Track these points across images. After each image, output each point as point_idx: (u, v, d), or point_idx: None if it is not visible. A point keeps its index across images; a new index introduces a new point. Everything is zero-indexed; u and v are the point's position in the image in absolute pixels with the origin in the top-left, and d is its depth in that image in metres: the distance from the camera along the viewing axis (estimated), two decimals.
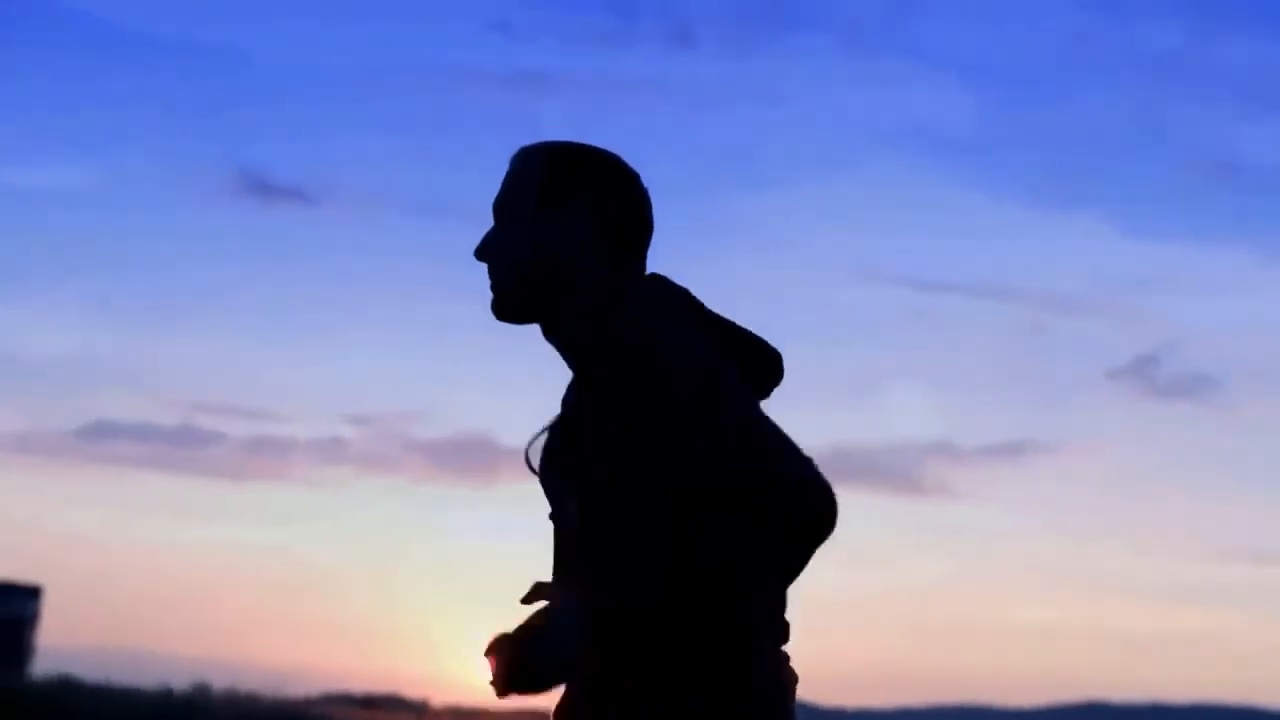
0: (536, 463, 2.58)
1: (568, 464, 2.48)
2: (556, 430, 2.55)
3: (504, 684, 2.38)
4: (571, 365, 2.55)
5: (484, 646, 2.41)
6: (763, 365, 2.52)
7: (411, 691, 30.51)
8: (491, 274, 2.58)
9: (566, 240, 2.52)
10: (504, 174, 2.61)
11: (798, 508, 2.31)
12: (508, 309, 2.57)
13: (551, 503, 2.55)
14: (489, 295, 2.59)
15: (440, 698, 28.50)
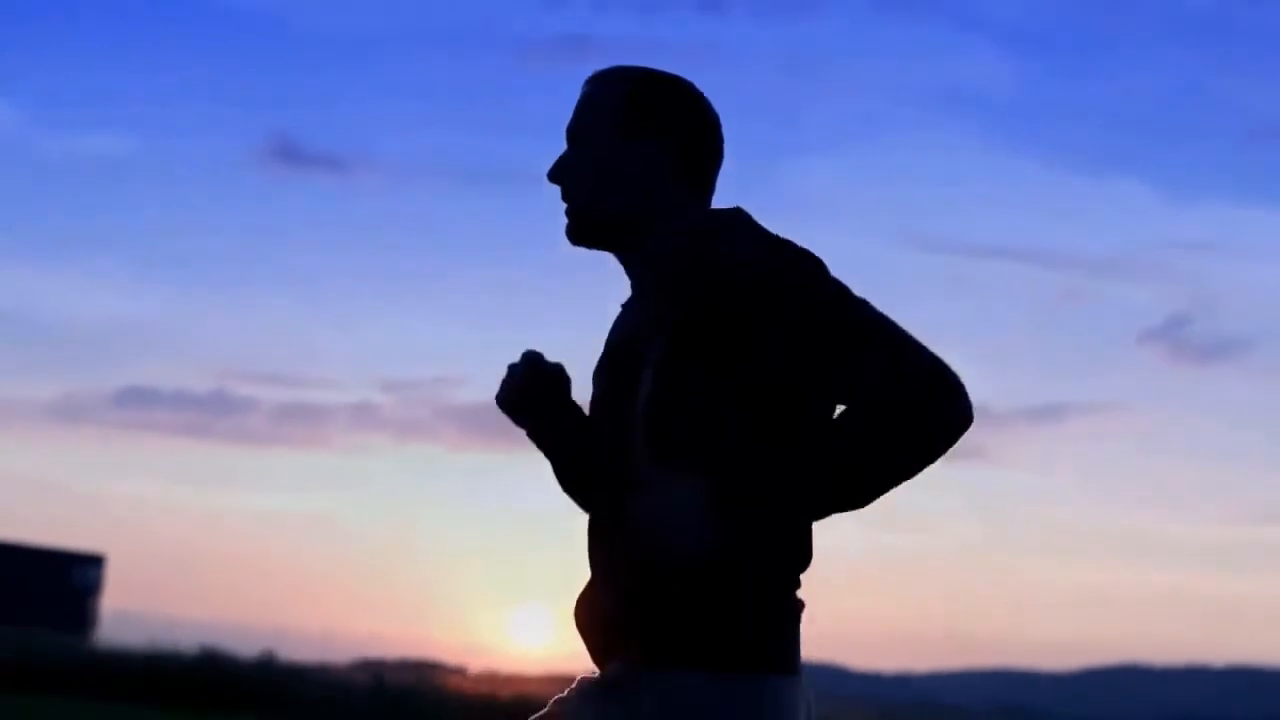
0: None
1: (661, 369, 2.46)
2: (618, 358, 2.56)
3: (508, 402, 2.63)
4: (654, 284, 2.54)
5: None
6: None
7: (447, 658, 30.67)
8: (568, 197, 2.57)
9: (649, 167, 2.52)
10: (578, 98, 2.61)
11: (949, 400, 2.37)
12: (586, 233, 2.57)
13: (608, 427, 2.55)
14: (562, 220, 2.59)
15: (477, 664, 28.54)
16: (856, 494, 2.37)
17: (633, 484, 2.43)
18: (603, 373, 2.60)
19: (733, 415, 2.39)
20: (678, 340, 2.43)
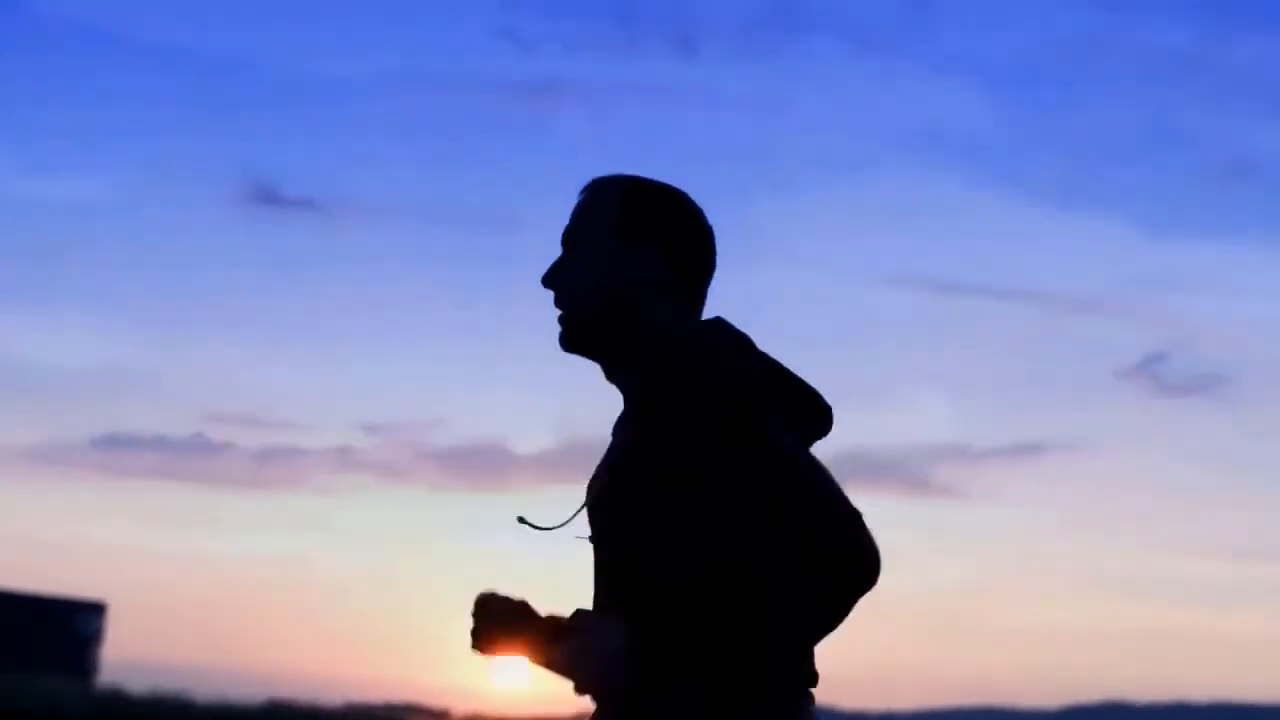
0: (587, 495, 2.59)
1: (623, 499, 2.47)
2: (613, 464, 2.54)
3: (482, 643, 2.50)
4: (635, 402, 2.54)
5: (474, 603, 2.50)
6: (813, 414, 2.52)
7: (430, 700, 30.84)
8: (562, 304, 2.58)
9: (643, 278, 2.53)
10: (575, 204, 2.62)
11: (856, 562, 2.36)
12: (579, 341, 2.57)
13: (596, 533, 2.55)
14: (555, 325, 2.60)
15: (461, 707, 28.66)
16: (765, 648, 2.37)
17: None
18: (593, 489, 2.58)
19: (684, 538, 2.38)
20: (649, 458, 2.43)
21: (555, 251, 2.62)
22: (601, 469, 2.58)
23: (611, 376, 2.59)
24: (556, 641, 2.43)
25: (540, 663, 2.46)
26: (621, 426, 2.58)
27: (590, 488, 2.58)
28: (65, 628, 34.53)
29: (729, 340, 2.49)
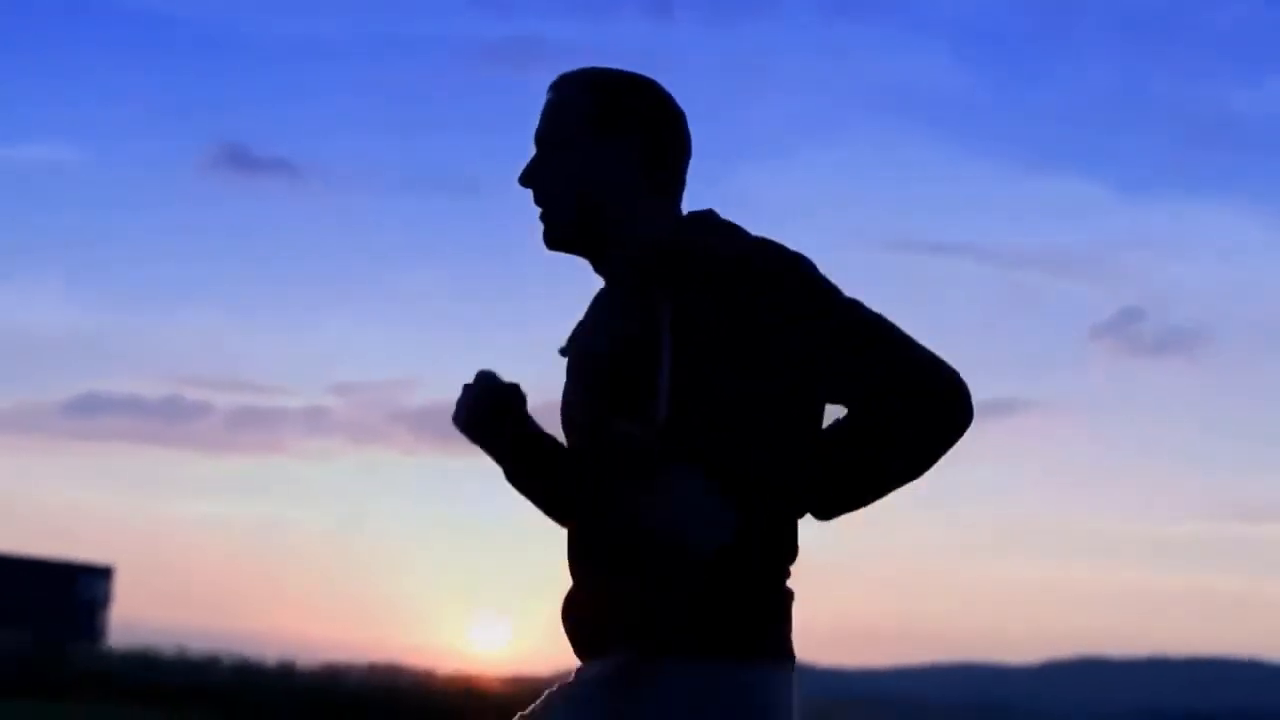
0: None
1: (637, 384, 2.44)
2: (599, 357, 2.52)
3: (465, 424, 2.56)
4: (632, 291, 2.51)
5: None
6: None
7: (409, 660, 29.75)
8: (541, 202, 2.55)
9: (619, 170, 2.51)
10: (544, 103, 2.59)
11: (951, 401, 2.40)
12: (561, 238, 2.55)
13: (584, 427, 2.53)
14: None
15: (442, 667, 27.74)
16: (863, 493, 2.42)
17: (626, 483, 2.41)
18: (575, 373, 2.58)
19: (737, 407, 2.37)
20: (677, 332, 2.41)
21: (532, 216, 2.59)
22: (585, 339, 2.59)
23: (599, 269, 2.59)
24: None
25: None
26: (607, 310, 2.57)
27: (571, 375, 2.59)
28: (69, 592, 34.60)
29: (727, 224, 2.51)
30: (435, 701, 22.47)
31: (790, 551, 2.46)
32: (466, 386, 2.60)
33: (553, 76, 2.61)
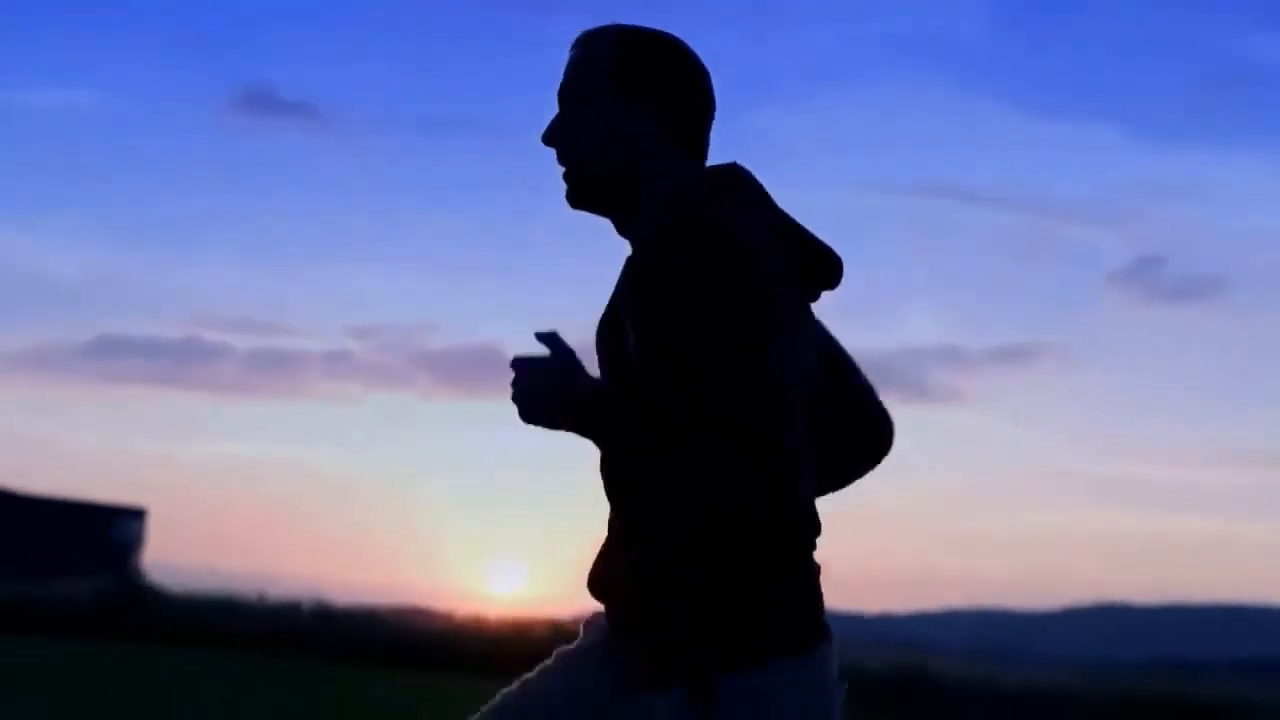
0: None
1: (615, 346, 2.44)
2: (606, 317, 2.51)
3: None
4: (632, 257, 2.50)
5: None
6: (820, 268, 2.49)
7: (431, 603, 29.78)
8: (565, 161, 2.53)
9: (643, 128, 2.50)
10: (567, 60, 2.57)
11: (874, 426, 2.46)
12: (584, 195, 2.53)
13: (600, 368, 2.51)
14: (560, 183, 2.55)
15: (462, 609, 27.67)
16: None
17: (651, 445, 2.32)
18: (600, 336, 2.53)
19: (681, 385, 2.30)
20: (644, 304, 2.37)
21: (552, 161, 2.56)
22: (606, 314, 2.54)
23: (622, 230, 2.55)
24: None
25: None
26: (624, 273, 2.51)
27: (598, 338, 2.54)
28: (103, 533, 34.72)
29: (734, 194, 2.46)
30: (476, 645, 22.55)
31: (812, 528, 2.44)
32: (516, 363, 2.42)
33: (577, 21, 2.59)
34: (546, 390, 2.38)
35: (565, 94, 2.57)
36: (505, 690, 2.58)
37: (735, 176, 2.52)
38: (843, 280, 2.54)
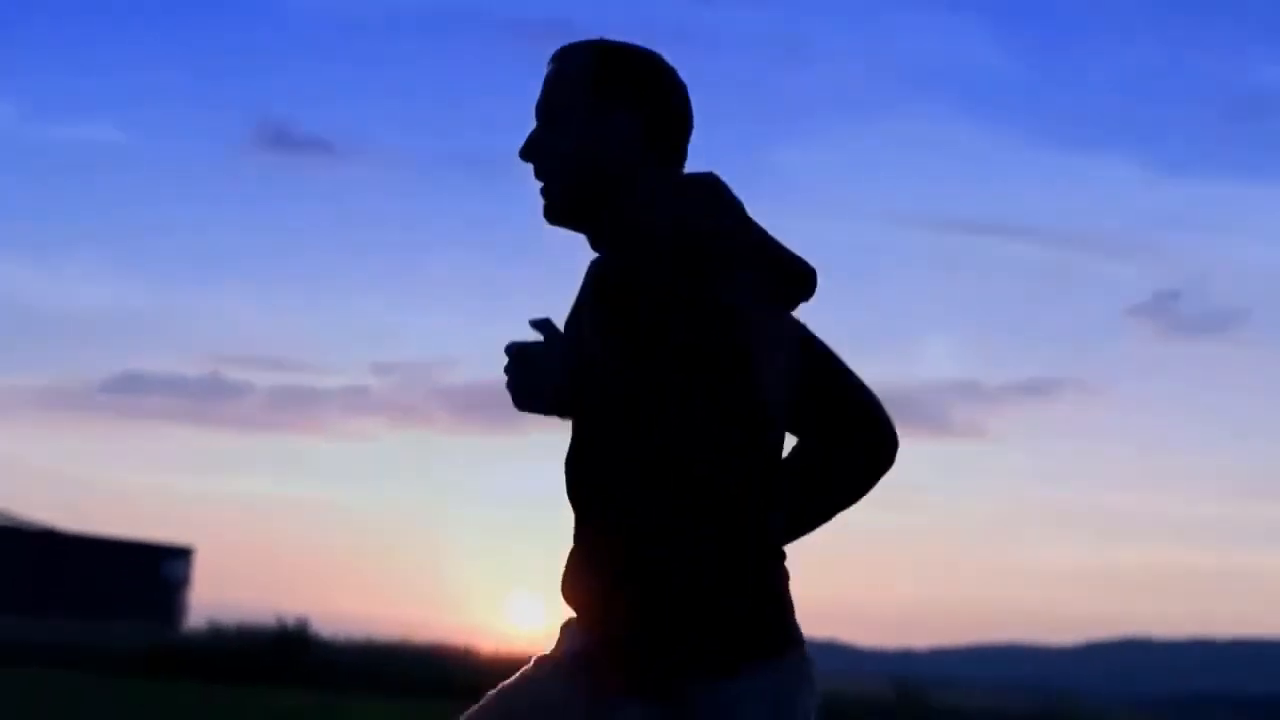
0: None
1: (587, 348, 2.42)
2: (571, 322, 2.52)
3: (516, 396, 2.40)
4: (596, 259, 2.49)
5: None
6: (794, 277, 2.47)
7: (453, 639, 28.53)
8: (542, 175, 2.52)
9: (620, 142, 2.48)
10: (545, 74, 2.54)
11: (878, 436, 2.48)
12: (562, 211, 2.51)
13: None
14: (538, 199, 2.53)
15: (484, 646, 26.67)
16: (806, 526, 2.54)
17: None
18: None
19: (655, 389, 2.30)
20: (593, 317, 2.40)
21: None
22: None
23: (596, 245, 2.53)
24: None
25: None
26: (589, 277, 2.52)
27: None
28: (151, 573, 34.94)
29: (702, 192, 2.47)
30: (497, 681, 22.65)
31: (779, 537, 2.48)
32: (511, 349, 2.44)
33: None
34: (542, 374, 2.39)
35: (543, 108, 2.56)
36: (485, 696, 2.58)
37: (710, 186, 2.51)
38: (817, 291, 2.51)
